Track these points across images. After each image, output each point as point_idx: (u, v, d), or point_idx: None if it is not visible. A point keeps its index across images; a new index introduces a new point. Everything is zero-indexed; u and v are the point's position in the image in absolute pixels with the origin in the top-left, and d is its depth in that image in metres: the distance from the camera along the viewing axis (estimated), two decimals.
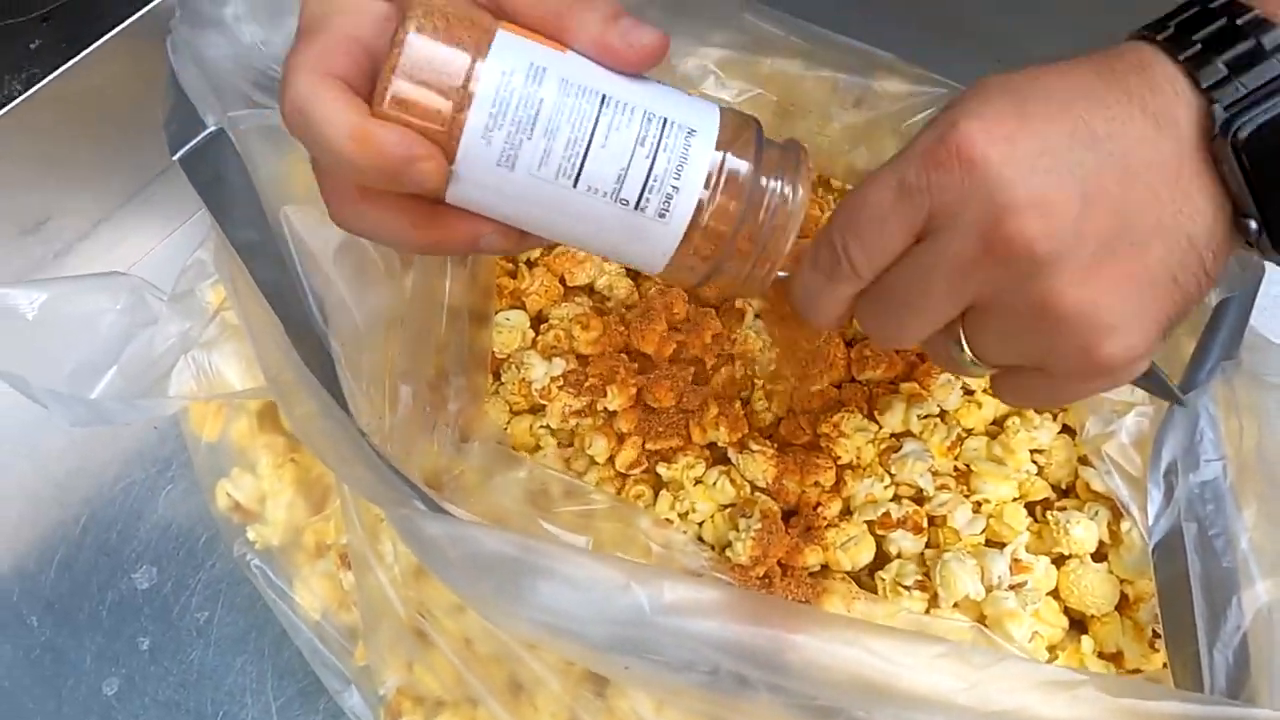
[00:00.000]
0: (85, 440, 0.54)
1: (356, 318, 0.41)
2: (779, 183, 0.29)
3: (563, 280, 0.47)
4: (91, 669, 0.49)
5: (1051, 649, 0.40)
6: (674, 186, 0.28)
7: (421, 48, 0.26)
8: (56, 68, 0.54)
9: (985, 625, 0.39)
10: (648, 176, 0.28)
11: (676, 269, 0.30)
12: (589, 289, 0.47)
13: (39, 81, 0.53)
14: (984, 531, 0.42)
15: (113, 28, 0.54)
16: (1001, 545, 0.41)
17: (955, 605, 0.40)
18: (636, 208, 0.28)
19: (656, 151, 0.28)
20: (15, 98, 0.53)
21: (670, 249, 0.29)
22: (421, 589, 0.40)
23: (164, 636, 0.49)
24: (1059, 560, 0.41)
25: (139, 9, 0.54)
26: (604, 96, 0.28)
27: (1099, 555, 0.41)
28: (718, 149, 0.29)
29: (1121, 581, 0.41)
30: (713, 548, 0.42)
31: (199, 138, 0.42)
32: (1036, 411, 0.44)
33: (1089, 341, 0.27)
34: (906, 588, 0.40)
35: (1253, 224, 0.27)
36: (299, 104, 0.26)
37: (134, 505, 0.53)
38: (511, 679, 0.40)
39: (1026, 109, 0.26)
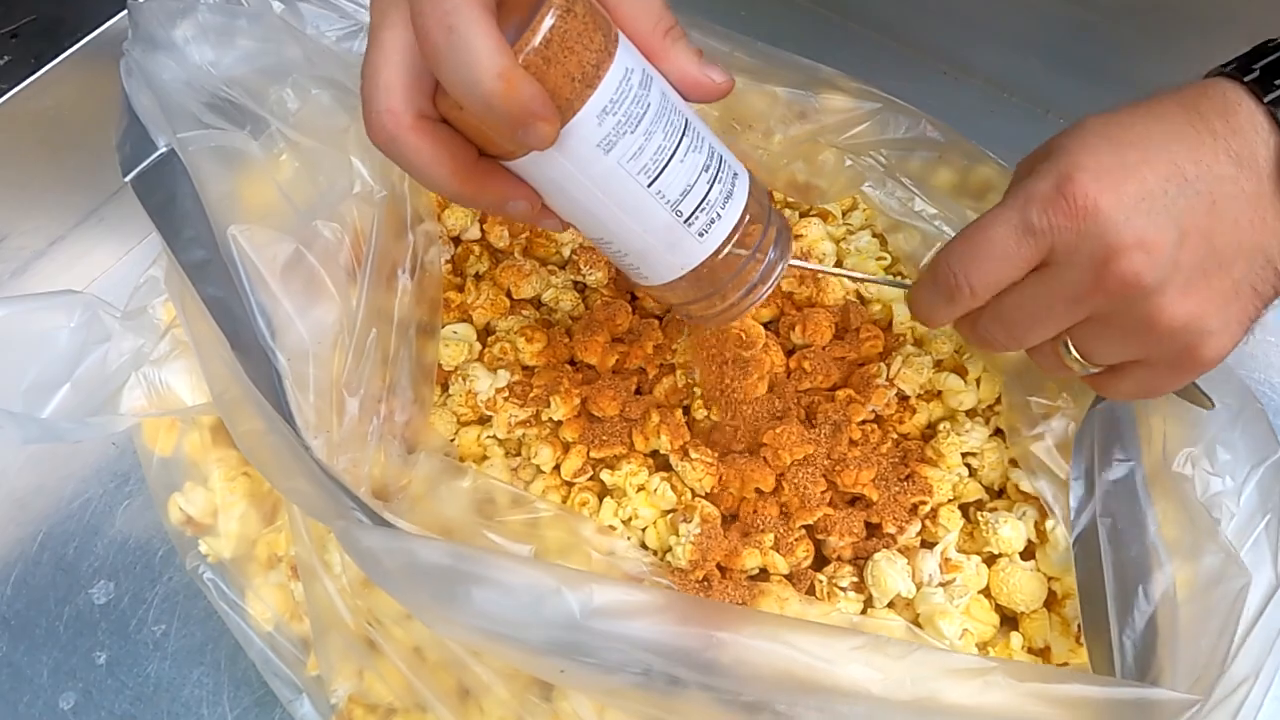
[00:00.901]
0: (43, 456, 0.55)
1: (303, 333, 0.41)
2: (775, 248, 0.35)
3: (509, 293, 0.48)
4: (48, 684, 0.49)
5: (982, 646, 0.41)
6: (719, 213, 0.33)
7: (573, 19, 0.29)
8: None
9: (918, 625, 0.41)
10: (704, 198, 0.32)
11: (676, 285, 0.35)
12: (535, 301, 0.48)
13: (3, 96, 0.54)
14: (920, 533, 0.43)
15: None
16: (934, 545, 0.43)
17: (890, 605, 0.41)
18: (685, 221, 0.33)
19: (715, 181, 0.33)
20: None
21: (692, 265, 0.34)
22: (370, 598, 0.40)
23: (121, 650, 0.50)
24: (989, 560, 0.43)
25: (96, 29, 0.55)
26: (687, 120, 0.32)
27: (1027, 554, 0.43)
28: (750, 194, 0.34)
29: (1049, 579, 0.42)
30: (655, 553, 0.43)
31: (150, 159, 0.43)
32: (968, 415, 0.45)
33: (1191, 344, 0.32)
34: (843, 589, 0.41)
35: None
36: (451, 20, 0.27)
37: (91, 520, 0.53)
38: (459, 685, 0.40)
39: (1127, 157, 0.31)
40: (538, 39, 0.28)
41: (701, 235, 0.33)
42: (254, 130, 0.43)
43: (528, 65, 0.28)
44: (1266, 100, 0.31)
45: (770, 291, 0.36)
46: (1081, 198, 0.31)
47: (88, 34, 0.55)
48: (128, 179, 0.42)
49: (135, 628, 0.50)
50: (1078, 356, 0.35)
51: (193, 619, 0.50)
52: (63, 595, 0.51)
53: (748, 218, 0.34)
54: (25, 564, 0.52)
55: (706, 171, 0.32)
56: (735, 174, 0.34)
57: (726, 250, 0.34)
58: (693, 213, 0.33)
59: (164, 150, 0.42)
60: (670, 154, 0.31)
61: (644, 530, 0.43)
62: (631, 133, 0.30)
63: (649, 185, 0.31)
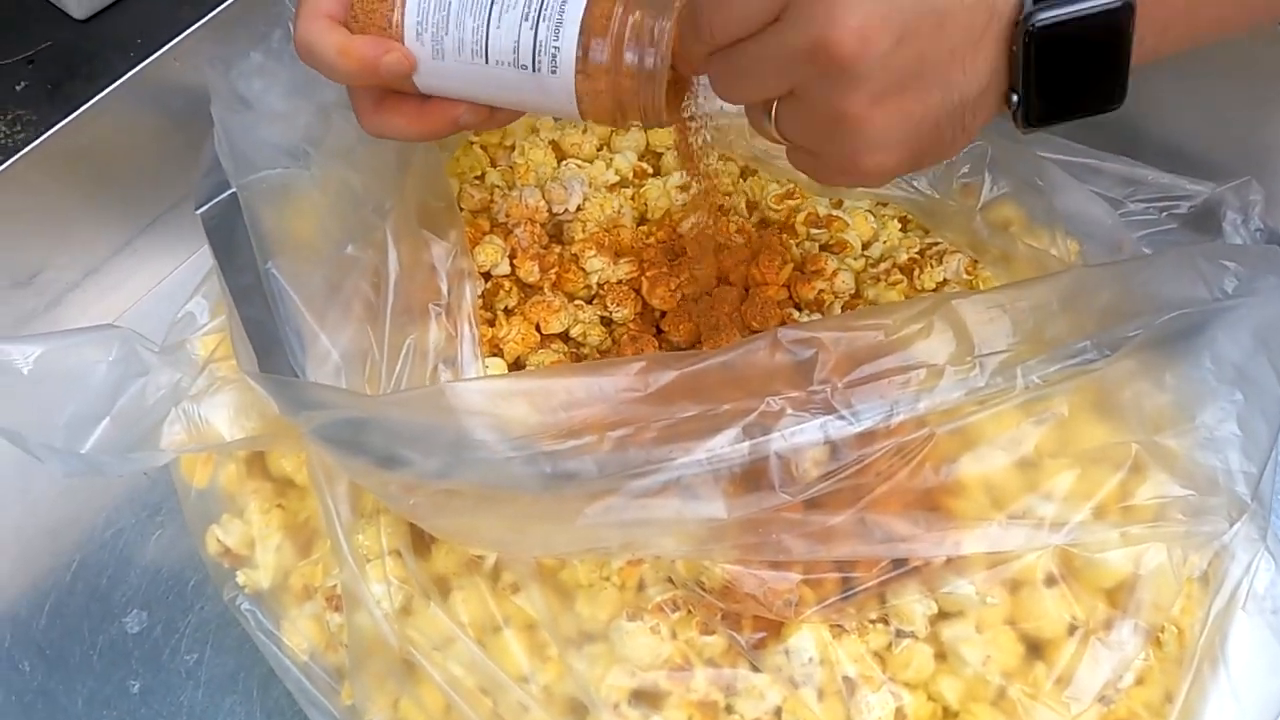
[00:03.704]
0: (77, 486, 0.56)
1: (336, 359, 0.43)
2: (648, 20, 0.36)
3: (538, 328, 0.49)
4: (83, 713, 0.50)
5: None
6: (555, 47, 0.36)
7: None
8: (41, 108, 0.56)
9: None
10: (534, 43, 0.36)
11: (587, 109, 0.37)
12: (564, 336, 0.50)
13: (25, 121, 0.56)
14: None
15: (98, 72, 0.57)
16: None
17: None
18: (534, 69, 0.36)
19: (538, 22, 0.36)
20: (1, 139, 0.55)
21: (570, 94, 0.37)
22: (410, 625, 0.41)
23: (154, 679, 0.50)
24: None
25: (127, 60, 0.56)
26: None
27: None
28: (586, 8, 0.36)
29: None
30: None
31: (216, 199, 0.46)
32: None
33: (856, 149, 0.33)
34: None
35: (1015, 97, 0.33)
36: (303, 41, 0.37)
37: (124, 550, 0.54)
38: (495, 711, 0.41)
39: None
40: (352, 4, 0.38)
41: (554, 71, 0.36)
42: (306, 163, 0.45)
43: (355, 22, 0.37)
44: None
45: (662, 59, 0.36)
46: None
47: (113, 59, 0.56)
48: (198, 211, 0.46)
49: (168, 657, 0.51)
50: (776, 129, 0.35)
51: (225, 648, 0.51)
52: (96, 624, 0.52)
53: (590, 18, 0.35)
54: (59, 593, 0.53)
55: (526, 20, 0.36)
56: (563, 2, 0.36)
57: (589, 63, 0.36)
58: (534, 59, 0.36)
59: (230, 192, 0.45)
60: (485, 30, 0.36)
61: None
62: (446, 34, 0.36)
63: (487, 62, 0.36)
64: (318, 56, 0.37)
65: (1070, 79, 0.33)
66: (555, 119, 0.57)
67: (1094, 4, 0.31)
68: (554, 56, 0.36)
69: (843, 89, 0.32)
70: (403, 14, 0.37)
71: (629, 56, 0.36)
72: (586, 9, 0.36)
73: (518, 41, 0.36)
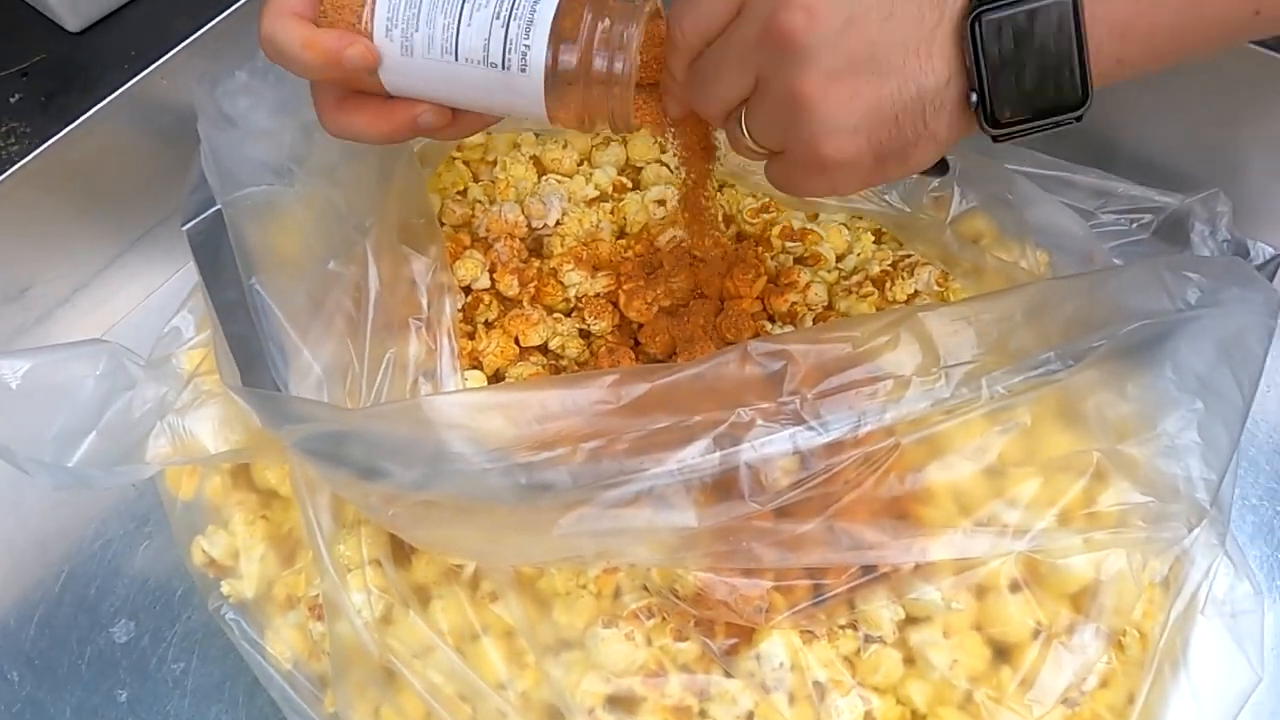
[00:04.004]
0: (65, 499, 0.57)
1: (318, 372, 0.44)
2: (618, 26, 0.37)
3: (517, 341, 0.50)
4: None
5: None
6: (526, 45, 0.36)
7: None
8: (35, 120, 0.57)
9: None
10: (505, 41, 0.36)
11: (556, 112, 0.38)
12: (543, 348, 0.50)
13: (19, 134, 0.57)
14: None
15: (93, 84, 0.58)
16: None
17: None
18: (504, 68, 0.37)
19: (509, 20, 0.36)
20: None
21: (539, 95, 0.37)
22: (390, 633, 0.42)
23: (142, 688, 0.51)
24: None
25: (121, 72, 0.57)
26: None
27: None
28: (558, 9, 0.36)
29: None
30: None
31: (202, 215, 0.47)
32: None
33: (815, 134, 0.33)
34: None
35: (974, 96, 0.33)
36: (268, 36, 0.37)
37: (112, 561, 0.55)
38: (474, 717, 0.42)
39: None
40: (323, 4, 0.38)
41: (524, 70, 0.36)
42: (290, 180, 0.46)
43: (324, 17, 0.37)
44: None
45: (630, 64, 0.37)
46: None
47: (116, 88, 0.57)
48: (184, 228, 0.47)
49: (155, 666, 0.52)
50: (750, 138, 0.36)
51: (211, 657, 0.52)
52: (84, 634, 0.53)
53: (560, 21, 0.36)
54: (48, 604, 0.54)
55: (498, 19, 0.36)
56: (535, 2, 0.36)
57: (559, 65, 0.36)
58: (504, 58, 0.36)
59: (215, 209, 0.46)
60: (456, 28, 0.36)
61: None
62: (416, 31, 0.37)
63: (456, 60, 0.37)
64: (281, 49, 0.37)
65: (1025, 76, 0.33)
66: (535, 133, 0.58)
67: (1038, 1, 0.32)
68: (524, 54, 0.36)
69: (796, 69, 0.33)
70: (373, 11, 0.37)
71: (598, 61, 0.37)
72: (557, 11, 0.36)
73: (488, 40, 0.36)
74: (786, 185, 0.37)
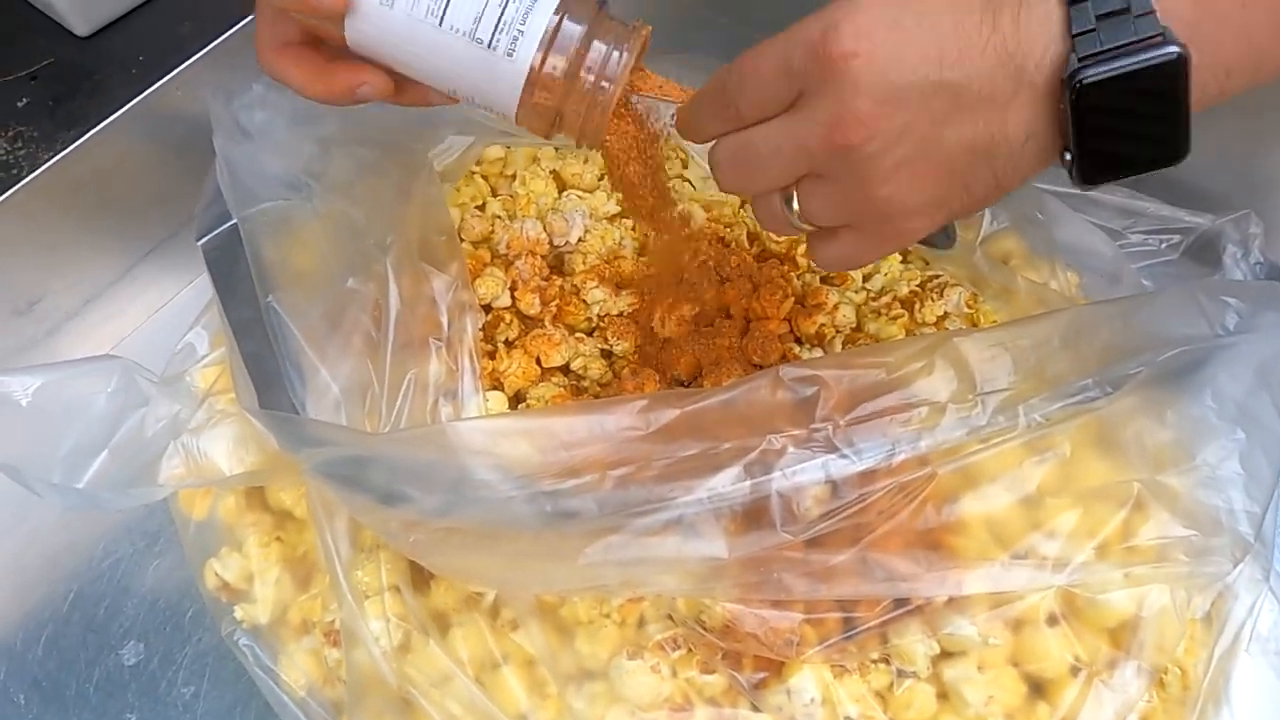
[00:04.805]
0: (74, 515, 0.55)
1: (335, 390, 0.43)
2: (610, 46, 0.35)
3: (539, 361, 0.49)
4: None
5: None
6: (520, 30, 0.34)
7: None
8: (43, 125, 0.56)
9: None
10: (499, 20, 0.34)
11: (525, 111, 0.36)
12: (565, 369, 0.49)
13: (26, 138, 0.56)
14: None
15: (101, 90, 0.57)
16: None
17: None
18: (489, 46, 0.34)
19: (508, 1, 0.34)
20: (2, 155, 0.55)
21: (517, 86, 0.35)
22: (408, 662, 0.41)
23: (151, 712, 0.50)
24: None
25: (129, 78, 0.57)
26: None
27: None
28: (561, 6, 0.35)
29: None
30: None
31: (220, 229, 0.46)
32: None
33: (892, 216, 0.33)
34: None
35: (1067, 155, 0.32)
36: None
37: (121, 580, 0.54)
38: None
39: (901, 20, 0.31)
40: None
41: (510, 55, 0.34)
42: (307, 195, 0.45)
43: None
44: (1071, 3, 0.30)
45: (616, 87, 0.36)
46: (837, 53, 0.31)
47: (124, 93, 0.56)
48: (199, 243, 0.46)
49: (165, 689, 0.51)
50: (799, 214, 0.35)
51: (222, 681, 0.50)
52: (93, 656, 0.52)
53: (559, 20, 0.34)
54: (56, 624, 0.53)
55: None
56: None
57: (547, 63, 0.35)
58: (492, 36, 0.34)
59: (231, 223, 0.45)
60: None
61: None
62: None
63: (439, 25, 0.34)
64: None
65: (1124, 135, 0.31)
66: (555, 147, 0.57)
67: (1144, 58, 0.30)
68: (515, 40, 0.34)
69: (864, 170, 0.32)
70: None
71: (586, 74, 0.35)
72: (558, 7, 0.35)
73: (482, 13, 0.34)
74: (847, 257, 0.36)
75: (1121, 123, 0.31)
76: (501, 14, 0.34)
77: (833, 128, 0.31)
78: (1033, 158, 0.32)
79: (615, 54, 0.36)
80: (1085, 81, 0.30)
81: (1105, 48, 0.30)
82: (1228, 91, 0.32)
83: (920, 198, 0.33)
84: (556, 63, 0.35)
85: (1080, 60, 0.30)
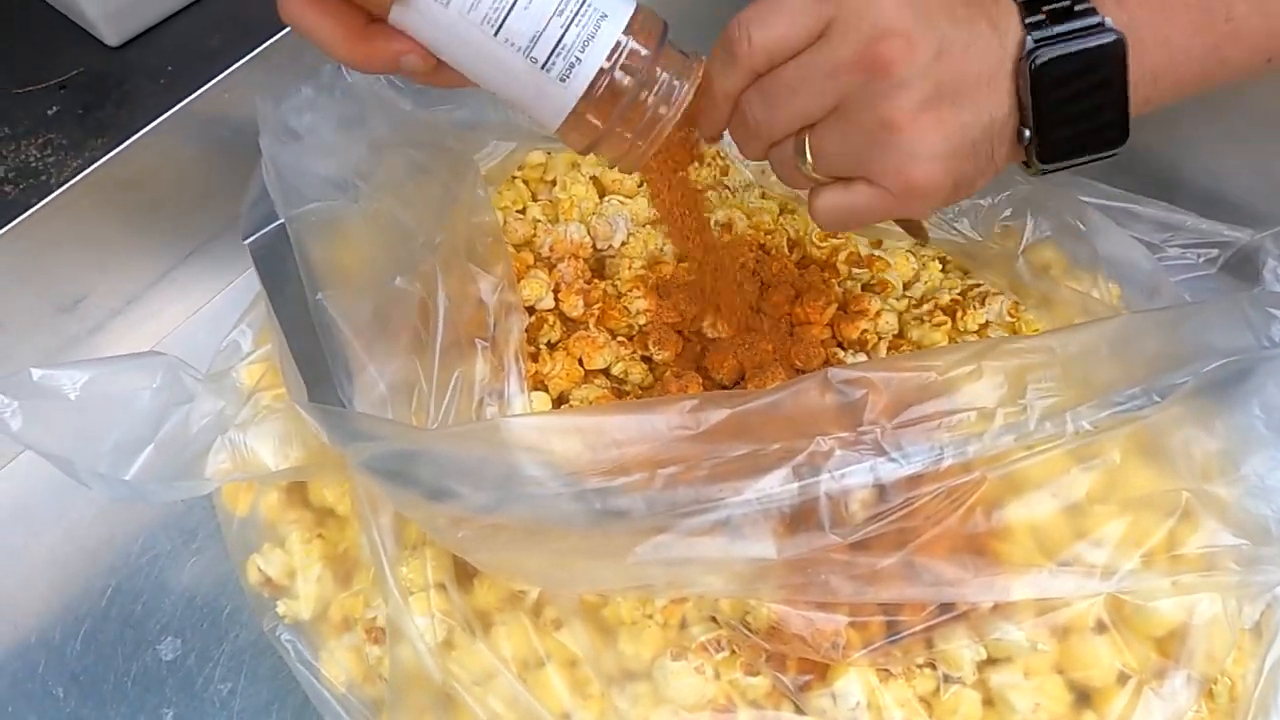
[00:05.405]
0: (113, 509, 0.56)
1: (381, 387, 0.43)
2: (669, 77, 0.35)
3: (581, 363, 0.49)
4: None
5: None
6: (578, 57, 0.33)
7: None
8: (72, 133, 0.57)
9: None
10: (558, 43, 0.33)
11: (568, 130, 0.35)
12: (605, 371, 0.50)
13: (55, 145, 0.56)
14: None
15: (130, 99, 0.58)
16: None
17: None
18: (543, 67, 0.33)
19: (570, 24, 0.33)
20: (32, 162, 0.56)
21: (565, 110, 0.34)
22: (452, 659, 0.41)
23: (188, 708, 0.50)
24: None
25: (158, 88, 0.58)
26: None
27: None
28: (624, 34, 0.34)
29: None
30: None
31: (267, 229, 0.46)
32: None
33: (903, 162, 0.34)
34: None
35: (1026, 132, 0.34)
36: None
37: (159, 575, 0.54)
38: None
39: None
40: None
41: (564, 80, 0.34)
42: (354, 195, 0.46)
43: None
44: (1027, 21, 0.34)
45: (669, 126, 0.35)
46: None
47: (153, 102, 0.57)
48: (246, 242, 0.46)
49: (202, 685, 0.51)
50: (811, 162, 0.36)
51: (259, 677, 0.51)
52: (131, 651, 0.52)
53: (619, 57, 0.34)
54: (94, 619, 0.53)
55: (559, 15, 0.33)
56: (604, 14, 0.33)
57: (600, 90, 0.34)
58: (548, 58, 0.33)
59: (278, 223, 0.45)
60: (512, 3, 0.33)
61: None
62: None
63: (495, 34, 0.33)
64: None
65: (1075, 117, 0.34)
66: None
67: (1089, 42, 0.33)
68: (572, 66, 0.33)
69: (891, 96, 0.33)
70: None
71: (643, 107, 0.35)
72: (626, 30, 0.34)
73: (540, 33, 0.33)
74: (856, 211, 0.36)
75: (1071, 106, 0.34)
76: (561, 38, 0.33)
77: (875, 41, 0.32)
78: (1012, 137, 0.35)
79: (676, 85, 0.35)
80: (1039, 61, 0.33)
81: (1055, 33, 0.33)
82: (1154, 99, 0.35)
83: (938, 146, 0.33)
84: (610, 93, 0.34)
85: (1036, 42, 0.33)
